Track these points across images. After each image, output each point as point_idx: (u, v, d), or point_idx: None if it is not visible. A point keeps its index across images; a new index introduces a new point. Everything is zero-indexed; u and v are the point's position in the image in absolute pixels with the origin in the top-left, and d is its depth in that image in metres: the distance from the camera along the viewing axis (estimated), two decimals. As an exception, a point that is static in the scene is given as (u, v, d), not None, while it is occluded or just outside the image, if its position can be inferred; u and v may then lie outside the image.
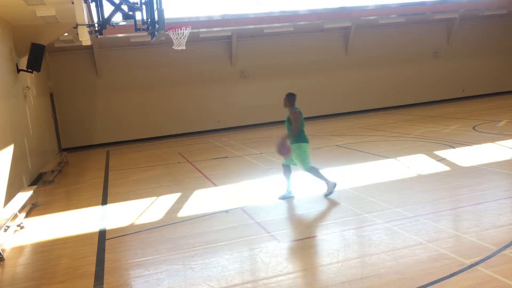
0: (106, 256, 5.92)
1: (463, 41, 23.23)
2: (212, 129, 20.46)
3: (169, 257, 5.64)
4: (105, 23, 9.86)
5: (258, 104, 20.86)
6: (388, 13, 20.23)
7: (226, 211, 7.41)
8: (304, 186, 8.74)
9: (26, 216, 8.43)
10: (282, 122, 20.62)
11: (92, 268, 5.53)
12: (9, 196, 8.80)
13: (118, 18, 10.01)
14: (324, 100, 21.61)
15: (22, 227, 7.66)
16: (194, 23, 16.96)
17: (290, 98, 7.79)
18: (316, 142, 14.01)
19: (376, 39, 21.98)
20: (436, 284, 4.24)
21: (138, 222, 7.39)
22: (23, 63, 12.23)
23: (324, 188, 7.74)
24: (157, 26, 9.22)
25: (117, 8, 9.68)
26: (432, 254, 4.93)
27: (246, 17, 18.59)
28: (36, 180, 11.72)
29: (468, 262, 4.62)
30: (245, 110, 20.79)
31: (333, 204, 7.34)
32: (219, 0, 19.52)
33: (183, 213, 7.62)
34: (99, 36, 13.82)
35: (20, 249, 6.67)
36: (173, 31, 11.00)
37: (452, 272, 4.44)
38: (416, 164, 9.61)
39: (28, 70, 12.09)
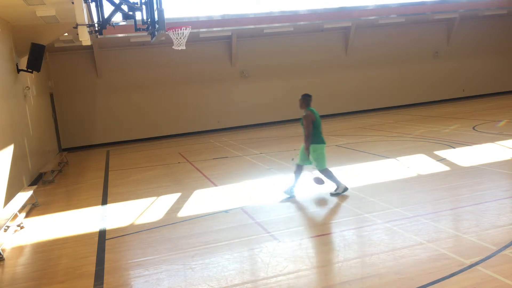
0: (106, 256, 5.92)
1: (463, 41, 23.23)
2: (212, 129, 20.46)
3: (169, 257, 5.64)
4: (105, 23, 9.86)
5: (258, 104, 20.86)
6: (388, 13, 20.23)
7: (226, 211, 7.41)
8: (304, 186, 8.75)
9: (26, 216, 8.43)
10: (282, 122, 20.81)
11: (92, 268, 5.53)
12: (9, 196, 8.80)
13: (118, 18, 10.01)
14: (324, 100, 21.55)
15: (22, 227, 7.66)
16: (194, 23, 16.96)
17: (305, 99, 7.81)
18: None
19: (376, 39, 21.98)
20: (436, 284, 4.24)
21: (138, 222, 7.39)
22: (23, 63, 12.23)
23: (332, 188, 7.78)
24: (157, 26, 9.22)
25: (117, 8, 9.68)
26: (432, 254, 4.93)
27: (246, 17, 18.59)
28: (36, 180, 11.72)
29: (468, 262, 4.62)
30: (245, 110, 20.79)
31: (333, 204, 7.34)
32: (219, 0, 19.54)
33: (183, 213, 7.62)
34: (99, 36, 13.82)
35: (20, 249, 6.67)
36: (173, 31, 11.00)
37: (452, 272, 4.44)
38: (416, 164, 9.61)
39: (28, 70, 12.09)
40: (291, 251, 5.42)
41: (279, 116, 21.09)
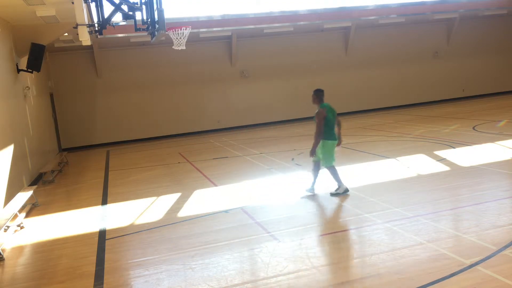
0: (106, 256, 5.92)
1: (463, 41, 23.23)
2: (212, 129, 20.46)
3: (169, 257, 5.64)
4: (105, 23, 9.86)
5: (258, 104, 20.85)
6: (388, 13, 20.22)
7: (226, 211, 7.41)
8: (304, 186, 8.75)
9: (26, 216, 8.43)
10: (282, 122, 20.82)
11: (92, 268, 5.53)
12: (9, 196, 8.80)
13: (118, 18, 10.00)
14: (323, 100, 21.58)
15: (22, 227, 7.66)
16: (194, 23, 16.96)
17: (318, 94, 7.72)
18: (316, 142, 14.01)
19: (376, 39, 21.97)
20: (436, 284, 4.24)
21: (138, 222, 7.39)
22: (23, 63, 12.23)
23: (332, 188, 7.80)
24: (157, 26, 9.22)
25: (117, 8, 9.68)
26: (432, 254, 4.93)
27: (246, 17, 18.58)
28: (36, 180, 11.72)
29: (468, 262, 4.62)
30: (245, 110, 20.79)
31: (333, 204, 7.34)
32: (219, 0, 19.53)
33: (183, 213, 7.62)
34: (99, 36, 13.82)
35: (20, 249, 6.67)
36: (173, 31, 11.00)
37: (452, 272, 4.44)
38: (416, 164, 9.61)
39: (28, 70, 12.09)
40: (291, 251, 5.42)
41: (279, 116, 21.08)
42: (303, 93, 21.23)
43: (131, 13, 9.87)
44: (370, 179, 8.64)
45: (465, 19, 22.30)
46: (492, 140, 11.26)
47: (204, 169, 11.36)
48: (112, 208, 8.55)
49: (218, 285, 4.69)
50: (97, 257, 5.91)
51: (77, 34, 9.44)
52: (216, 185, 9.50)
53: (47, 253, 6.36)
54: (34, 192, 9.09)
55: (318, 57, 21.46)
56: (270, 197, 8.11)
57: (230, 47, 20.18)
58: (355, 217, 6.59)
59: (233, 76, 20.68)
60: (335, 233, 6.02)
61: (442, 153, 10.45)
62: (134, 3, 9.87)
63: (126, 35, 16.57)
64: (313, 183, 7.95)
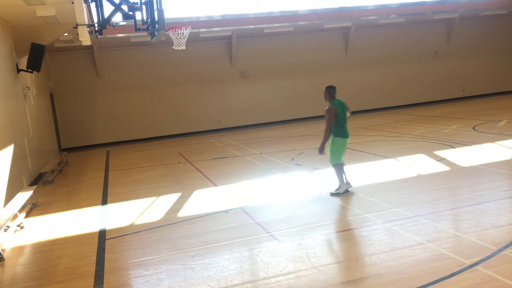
0: (106, 256, 5.92)
1: (463, 41, 23.23)
2: (212, 129, 20.46)
3: (169, 257, 5.64)
4: (105, 23, 9.86)
5: (258, 104, 20.86)
6: (388, 13, 20.22)
7: (226, 211, 7.41)
8: (304, 186, 8.75)
9: (26, 216, 8.43)
10: (282, 122, 20.81)
11: (92, 268, 5.53)
12: (9, 196, 8.80)
13: (118, 18, 10.00)
14: (324, 100, 21.57)
15: (22, 227, 7.66)
16: (194, 23, 16.96)
17: (330, 91, 7.74)
18: (317, 142, 14.00)
19: (376, 39, 21.97)
20: (436, 284, 4.24)
21: (138, 222, 7.39)
22: (23, 63, 12.23)
23: (333, 188, 7.81)
24: (157, 26, 9.22)
25: (117, 8, 9.68)
26: (432, 254, 4.93)
27: (246, 17, 18.58)
28: (36, 180, 11.72)
29: (468, 262, 4.62)
30: (245, 110, 20.79)
31: (333, 204, 7.34)
32: (219, 0, 19.53)
33: (183, 213, 7.62)
34: (99, 36, 13.82)
35: (20, 249, 6.67)
36: (173, 31, 11.00)
37: (452, 272, 4.44)
38: (416, 164, 9.61)
39: (28, 70, 12.09)
40: (291, 251, 5.42)
41: (279, 116, 21.08)
42: (303, 93, 21.30)
43: (131, 13, 9.87)
44: (370, 179, 8.64)
45: (465, 19, 22.30)
46: (492, 140, 11.26)
47: (204, 169, 11.36)
48: (112, 208, 8.55)
49: (218, 285, 4.69)
50: (97, 257, 5.91)
51: (77, 34, 9.44)
52: (216, 185, 9.50)
53: (47, 253, 6.36)
54: (34, 192, 9.09)
55: (318, 57, 21.46)
56: (270, 197, 8.11)
57: (230, 47, 20.18)
58: (355, 217, 6.60)
59: (233, 76, 20.68)
60: (335, 233, 6.02)
61: (442, 153, 10.45)
62: (134, 3, 9.87)
63: (126, 35, 16.57)
64: (345, 178, 7.89)
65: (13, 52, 11.76)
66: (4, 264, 6.06)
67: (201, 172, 11.10)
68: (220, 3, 19.40)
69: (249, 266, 5.21)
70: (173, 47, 11.45)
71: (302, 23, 19.12)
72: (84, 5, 9.31)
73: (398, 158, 10.36)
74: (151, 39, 10.79)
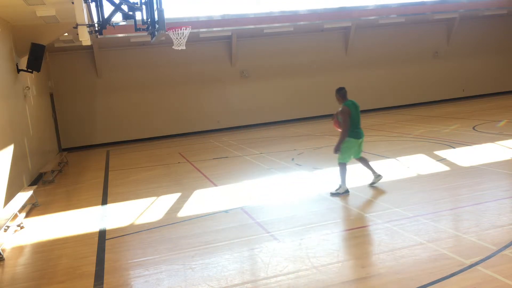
0: (106, 256, 5.92)
1: (463, 41, 23.23)
2: (212, 129, 20.46)
3: (169, 257, 5.64)
4: (105, 23, 9.86)
5: (258, 104, 20.86)
6: (388, 13, 20.22)
7: (226, 211, 7.41)
8: (304, 186, 8.75)
9: (26, 216, 8.43)
10: (282, 122, 20.80)
11: (92, 268, 5.53)
12: (9, 196, 8.80)
13: (118, 18, 10.01)
14: (324, 100, 21.56)
15: (22, 227, 7.66)
16: (194, 23, 16.96)
17: (340, 93, 7.79)
18: (317, 142, 14.03)
19: (376, 39, 21.97)
20: (436, 284, 4.24)
21: (138, 222, 7.39)
22: (23, 63, 12.23)
23: (333, 188, 7.84)
24: (157, 26, 9.22)
25: (117, 8, 9.68)
26: (432, 254, 4.93)
27: (246, 17, 18.58)
28: (36, 180, 11.72)
29: (468, 262, 4.62)
30: (245, 110, 20.79)
31: (333, 204, 7.34)
32: (219, 0, 19.53)
33: (183, 213, 7.62)
34: (99, 36, 13.82)
35: (20, 249, 6.67)
36: (173, 31, 11.00)
37: (452, 272, 4.44)
38: (416, 164, 9.61)
39: (28, 70, 12.09)
40: (291, 251, 5.42)
41: (279, 116, 21.09)
42: (303, 93, 21.31)
43: (131, 13, 9.88)
44: (370, 179, 8.63)
45: (465, 19, 22.30)
46: (492, 140, 11.26)
47: (204, 169, 11.36)
48: (112, 208, 8.55)
49: (218, 285, 4.69)
50: (97, 257, 5.91)
51: (77, 34, 9.44)
52: (216, 185, 9.50)
53: (47, 253, 6.36)
54: (34, 192, 9.09)
55: (318, 57, 21.46)
56: (270, 197, 8.11)
57: (230, 47, 20.19)
58: (355, 217, 6.60)
59: (233, 76, 20.68)
60: (335, 233, 6.02)
61: (442, 153, 10.45)
62: (134, 3, 9.87)
63: (126, 35, 16.57)
64: (373, 172, 7.98)
65: (13, 52, 11.77)
66: (4, 264, 6.06)
67: (201, 172, 11.10)
68: (220, 3, 19.42)
69: (249, 266, 5.21)
70: (173, 47, 11.45)
71: (302, 23, 19.12)
72: (84, 5, 9.31)
73: (398, 158, 10.36)
74: (151, 39, 10.79)
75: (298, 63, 21.22)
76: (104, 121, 19.34)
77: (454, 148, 10.90)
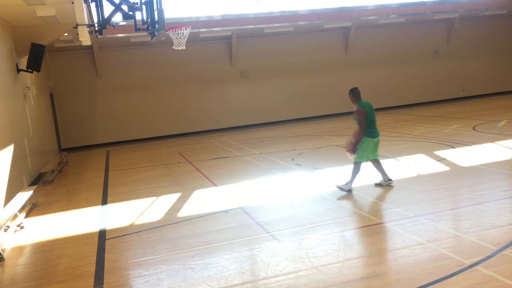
0: (106, 256, 5.92)
1: (463, 41, 23.23)
2: (212, 129, 20.46)
3: (169, 257, 5.64)
4: (105, 23, 9.86)
5: (258, 104, 20.86)
6: (388, 13, 20.22)
7: (226, 211, 7.41)
8: (304, 186, 8.75)
9: (26, 216, 8.43)
10: (282, 122, 20.80)
11: (92, 268, 5.53)
12: (9, 196, 8.80)
13: (118, 18, 10.01)
14: (324, 100, 21.60)
15: (22, 227, 7.66)
16: (194, 23, 16.96)
17: (354, 94, 7.83)
18: (317, 142, 14.03)
19: (376, 39, 21.97)
20: (436, 284, 4.24)
21: (138, 222, 7.39)
22: (23, 63, 12.23)
23: (341, 182, 7.91)
24: (157, 26, 9.22)
25: (117, 8, 9.68)
26: (432, 254, 4.93)
27: (246, 17, 18.58)
28: (36, 180, 11.72)
29: (468, 262, 4.62)
30: (245, 110, 20.79)
31: (333, 204, 7.34)
32: (219, 0, 19.53)
33: (183, 213, 7.62)
34: (99, 36, 13.82)
35: (20, 249, 6.67)
36: (173, 31, 11.00)
37: (452, 272, 4.44)
38: (416, 164, 9.61)
39: (28, 70, 12.09)
40: (291, 251, 5.42)
41: (279, 116, 21.08)
42: (303, 93, 21.30)
43: (131, 13, 9.88)
44: (370, 179, 8.63)
45: (465, 19, 22.29)
46: (492, 140, 11.26)
47: (204, 169, 11.36)
48: (112, 208, 8.55)
49: (218, 285, 4.69)
50: (97, 257, 5.91)
51: (77, 34, 9.44)
52: (216, 185, 9.50)
53: (47, 253, 6.36)
54: (34, 192, 9.09)
55: (318, 57, 21.46)
56: (270, 197, 8.11)
57: (230, 47, 20.19)
58: (355, 217, 6.60)
59: (233, 76, 20.68)
60: (335, 233, 6.01)
61: (442, 153, 10.45)
62: (134, 3, 9.87)
63: (126, 35, 16.57)
64: (385, 175, 7.95)
65: (13, 52, 11.76)
66: (4, 264, 6.06)
67: (201, 172, 11.10)
68: (220, 3, 19.41)
69: (249, 266, 5.21)
70: (173, 47, 11.45)
71: (302, 23, 19.12)
72: (84, 5, 9.31)
73: (398, 158, 10.35)
74: (151, 39, 10.79)
75: (298, 63, 21.22)
76: (104, 121, 19.34)
77: (454, 148, 10.90)
